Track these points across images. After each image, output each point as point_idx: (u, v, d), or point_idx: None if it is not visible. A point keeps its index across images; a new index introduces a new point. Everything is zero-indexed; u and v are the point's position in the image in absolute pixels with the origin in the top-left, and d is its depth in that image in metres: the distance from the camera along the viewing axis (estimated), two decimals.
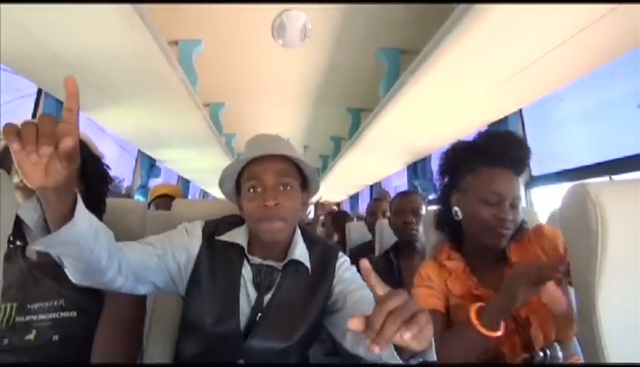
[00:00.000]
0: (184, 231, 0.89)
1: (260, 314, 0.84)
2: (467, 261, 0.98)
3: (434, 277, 0.98)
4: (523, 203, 0.98)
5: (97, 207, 0.98)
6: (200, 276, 0.86)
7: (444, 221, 1.04)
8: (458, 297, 0.94)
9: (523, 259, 0.93)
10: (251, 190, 0.84)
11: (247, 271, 0.87)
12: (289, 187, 0.85)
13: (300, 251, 0.90)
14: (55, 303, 0.85)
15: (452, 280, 0.96)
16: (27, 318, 0.83)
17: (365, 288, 0.87)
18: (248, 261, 0.88)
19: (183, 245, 0.85)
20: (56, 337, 0.82)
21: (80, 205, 0.58)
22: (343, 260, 0.94)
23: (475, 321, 0.81)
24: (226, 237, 0.89)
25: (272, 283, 0.87)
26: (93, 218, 0.61)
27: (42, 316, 0.84)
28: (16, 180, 0.83)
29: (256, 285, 0.86)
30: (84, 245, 0.59)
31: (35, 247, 0.60)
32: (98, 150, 1.04)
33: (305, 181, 0.92)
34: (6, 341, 0.81)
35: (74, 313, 0.85)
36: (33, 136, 0.49)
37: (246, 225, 0.92)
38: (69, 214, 0.57)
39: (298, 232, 0.94)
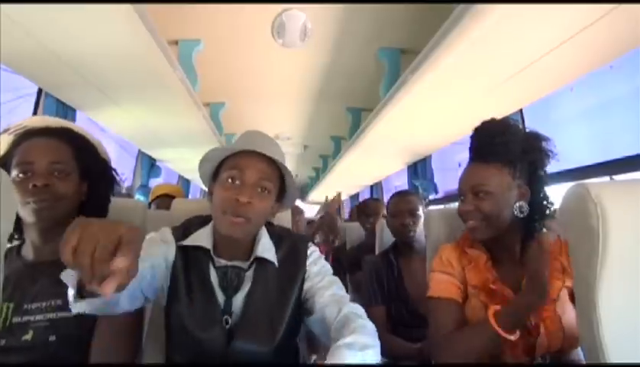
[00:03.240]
0: (158, 241, 0.87)
1: (226, 317, 0.83)
2: (489, 255, 0.96)
3: (454, 262, 0.96)
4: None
5: (98, 211, 0.98)
6: (177, 284, 0.85)
7: None
8: (473, 287, 0.93)
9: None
10: (229, 180, 0.83)
11: (213, 275, 0.86)
12: (266, 191, 0.85)
13: (264, 247, 0.89)
14: (52, 303, 0.84)
15: (471, 269, 0.94)
16: (25, 318, 0.82)
17: (334, 284, 0.88)
18: (214, 263, 0.87)
19: (163, 254, 0.85)
20: (53, 338, 0.81)
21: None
22: (312, 251, 0.93)
23: (493, 322, 0.79)
24: (191, 241, 0.87)
25: (239, 284, 0.86)
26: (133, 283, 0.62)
27: (39, 317, 0.83)
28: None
29: (223, 288, 0.85)
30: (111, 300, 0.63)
31: (74, 310, 0.61)
32: (106, 153, 1.03)
33: (283, 193, 0.92)
34: (3, 342, 0.80)
35: (71, 314, 0.83)
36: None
37: (210, 226, 0.91)
38: None
39: (263, 228, 0.92)
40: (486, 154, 0.91)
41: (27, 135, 0.89)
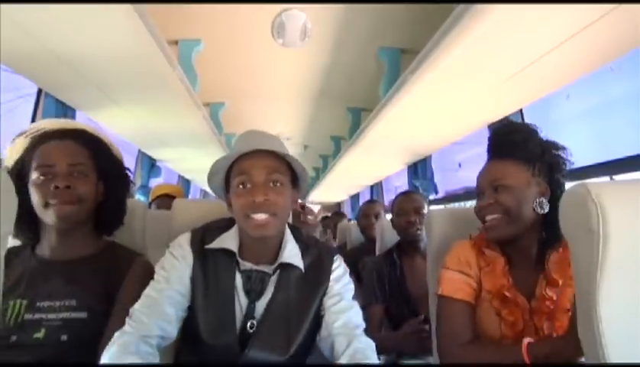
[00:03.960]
0: (173, 260, 0.86)
1: (249, 323, 0.83)
2: (506, 258, 0.92)
3: (472, 262, 0.92)
4: None
5: (117, 213, 0.99)
6: (195, 291, 0.85)
7: None
8: (487, 292, 0.89)
9: (561, 273, 0.87)
10: (240, 186, 0.83)
11: (238, 278, 0.85)
12: (278, 184, 0.83)
13: (290, 252, 0.87)
14: (66, 303, 0.84)
15: (487, 272, 0.91)
16: (37, 316, 0.82)
17: (350, 309, 0.86)
18: (239, 267, 0.86)
19: (180, 276, 0.84)
20: (64, 337, 0.81)
21: None
22: (337, 264, 0.91)
23: (526, 357, 0.75)
24: (215, 244, 0.86)
25: (263, 289, 0.85)
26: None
27: (52, 316, 0.83)
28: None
29: (247, 292, 0.85)
30: None
31: None
32: (120, 153, 1.04)
33: (296, 179, 0.90)
34: (14, 338, 0.80)
35: (84, 315, 0.84)
36: None
37: (235, 228, 0.89)
38: None
39: (288, 232, 0.92)
40: (505, 150, 0.90)
41: (43, 138, 0.90)
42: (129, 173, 1.04)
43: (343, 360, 0.77)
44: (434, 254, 1.09)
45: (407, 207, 1.61)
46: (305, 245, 0.91)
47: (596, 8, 0.94)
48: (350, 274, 0.94)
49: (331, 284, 0.88)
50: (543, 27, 1.04)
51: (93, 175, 0.91)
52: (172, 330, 0.81)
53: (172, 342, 0.84)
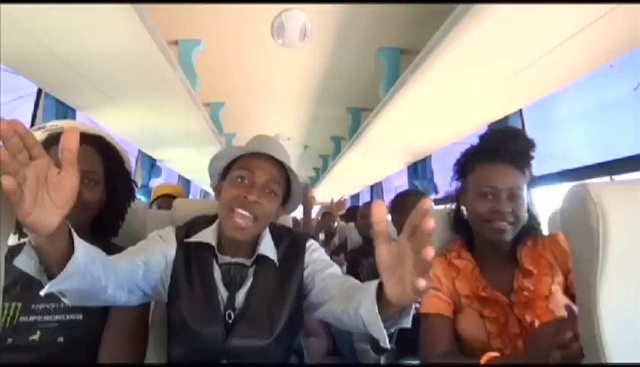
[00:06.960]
0: (157, 237, 0.89)
1: (229, 312, 0.85)
2: (477, 262, 0.97)
3: (441, 276, 0.97)
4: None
5: (115, 221, 1.00)
6: (178, 280, 0.87)
7: (456, 222, 1.05)
8: (465, 297, 0.94)
9: (534, 264, 0.92)
10: (239, 179, 0.86)
11: (217, 271, 0.89)
12: (273, 193, 0.87)
13: (266, 246, 0.91)
14: (61, 305, 0.84)
15: (460, 279, 0.96)
16: (32, 318, 0.83)
17: (333, 266, 0.90)
18: (217, 260, 0.89)
19: (161, 251, 0.86)
20: (61, 339, 0.82)
21: (76, 238, 0.58)
22: (310, 243, 0.95)
23: None
24: (196, 238, 0.90)
25: (242, 280, 0.89)
26: (87, 245, 0.61)
27: (47, 318, 0.83)
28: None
29: (226, 284, 0.88)
30: (85, 272, 0.60)
31: (43, 292, 0.58)
32: (130, 163, 1.06)
33: (287, 198, 0.94)
34: (10, 340, 0.80)
35: (80, 316, 0.85)
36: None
37: (216, 224, 0.93)
38: (66, 250, 0.57)
39: (266, 228, 0.95)
40: (516, 158, 0.93)
41: (60, 138, 0.90)
42: (135, 187, 1.05)
43: (347, 289, 0.76)
44: (434, 255, 1.09)
45: (410, 206, 1.60)
46: (279, 236, 0.95)
47: (596, 8, 0.94)
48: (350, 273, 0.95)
49: (307, 258, 0.92)
50: (543, 27, 1.04)
51: (102, 183, 0.93)
52: (139, 281, 0.79)
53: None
